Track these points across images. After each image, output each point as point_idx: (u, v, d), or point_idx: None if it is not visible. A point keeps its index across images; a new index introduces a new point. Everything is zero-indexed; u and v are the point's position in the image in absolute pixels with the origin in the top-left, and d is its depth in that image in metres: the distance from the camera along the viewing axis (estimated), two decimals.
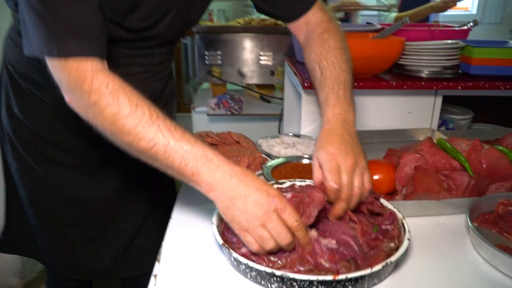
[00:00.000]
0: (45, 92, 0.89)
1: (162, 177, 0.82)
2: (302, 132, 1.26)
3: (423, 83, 1.13)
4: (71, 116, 0.71)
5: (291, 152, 1.11)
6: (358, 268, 0.61)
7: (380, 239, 0.68)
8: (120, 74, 0.67)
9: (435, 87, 1.13)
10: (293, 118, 1.59)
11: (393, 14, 2.57)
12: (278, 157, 1.04)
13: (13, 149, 0.96)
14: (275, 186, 0.80)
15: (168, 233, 0.78)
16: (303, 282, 0.58)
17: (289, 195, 0.75)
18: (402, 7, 2.68)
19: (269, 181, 0.92)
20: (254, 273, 0.61)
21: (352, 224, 0.68)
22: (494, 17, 3.96)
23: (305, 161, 1.04)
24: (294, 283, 0.58)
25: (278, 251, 0.64)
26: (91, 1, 0.67)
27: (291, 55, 1.58)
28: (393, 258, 0.60)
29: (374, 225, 0.70)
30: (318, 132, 0.78)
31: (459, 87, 1.12)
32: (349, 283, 0.58)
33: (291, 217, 0.62)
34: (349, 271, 0.60)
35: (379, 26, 1.43)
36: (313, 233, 0.67)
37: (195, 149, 0.64)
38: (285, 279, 0.58)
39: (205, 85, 2.40)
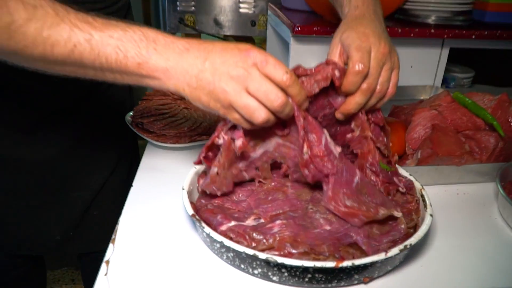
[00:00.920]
0: None
1: (122, 136, 0.64)
2: None
3: (432, 31, 0.97)
4: None
5: None
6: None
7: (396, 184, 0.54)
8: None
9: (445, 36, 0.97)
10: None
11: None
12: None
13: None
14: None
15: (128, 206, 0.62)
16: (295, 269, 0.43)
17: None
18: None
19: None
20: (232, 254, 0.46)
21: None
22: None
23: None
24: (284, 270, 0.43)
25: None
26: None
27: (275, 1, 1.38)
28: (414, 240, 0.45)
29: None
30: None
31: (473, 36, 0.97)
32: (355, 271, 0.44)
33: (278, 70, 0.46)
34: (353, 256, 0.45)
35: None
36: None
37: (130, 33, 0.46)
38: (271, 264, 0.43)
39: (178, 36, 2.17)
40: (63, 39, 0.44)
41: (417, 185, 0.56)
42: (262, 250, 0.45)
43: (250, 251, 0.43)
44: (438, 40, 1.03)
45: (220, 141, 0.53)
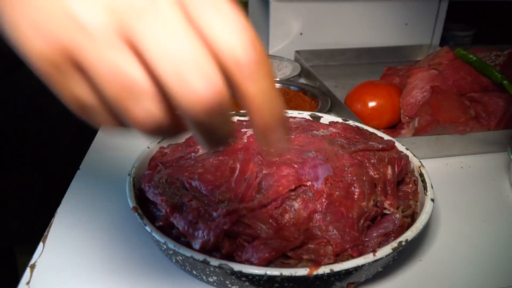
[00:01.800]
0: None
1: None
2: (271, 52, 0.98)
3: None
4: None
5: None
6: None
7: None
8: None
9: None
10: (259, 33, 1.29)
11: None
12: None
13: None
14: (235, 118, 0.54)
15: (69, 193, 0.51)
16: (258, 278, 0.33)
17: (250, 132, 0.49)
18: None
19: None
20: (180, 258, 0.36)
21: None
22: None
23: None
24: (244, 278, 0.34)
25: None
26: None
27: None
28: (411, 234, 0.35)
29: None
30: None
31: None
32: (336, 278, 0.34)
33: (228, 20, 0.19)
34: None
35: None
36: None
37: None
38: (228, 272, 0.33)
39: None
40: None
41: (415, 161, 0.46)
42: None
43: (200, 256, 0.33)
44: None
45: None
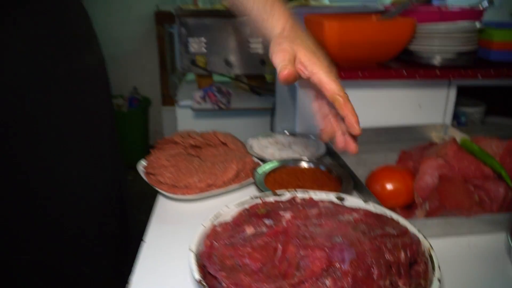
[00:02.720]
0: None
1: None
2: (298, 130, 1.11)
3: (437, 72, 0.97)
4: None
5: (286, 154, 0.96)
6: None
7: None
8: None
9: (451, 76, 0.98)
10: (287, 113, 1.43)
11: None
12: (271, 161, 0.89)
13: None
14: (272, 198, 0.65)
15: (140, 264, 0.63)
16: None
17: (287, 215, 0.60)
18: None
19: (263, 191, 0.77)
20: None
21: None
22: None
23: (304, 164, 0.90)
24: None
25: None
26: None
27: None
28: None
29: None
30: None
31: (479, 76, 0.97)
32: None
33: None
34: None
35: (381, 7, 1.27)
36: None
37: None
38: None
39: (190, 76, 2.22)
40: None
41: (426, 244, 0.56)
42: None
43: None
44: (445, 81, 1.03)
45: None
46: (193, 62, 1.67)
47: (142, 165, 0.89)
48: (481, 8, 1.17)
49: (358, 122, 0.59)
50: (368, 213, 0.59)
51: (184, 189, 0.80)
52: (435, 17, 1.08)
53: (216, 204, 0.79)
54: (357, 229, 0.54)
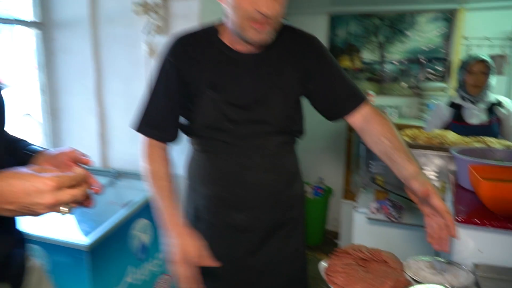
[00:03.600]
0: None
1: None
2: (456, 258, 1.29)
3: None
4: None
5: (437, 279, 1.16)
6: None
7: None
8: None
9: None
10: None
11: None
12: (421, 283, 1.13)
13: None
14: None
15: None
16: None
17: None
18: None
19: None
20: None
21: None
22: None
23: None
24: None
25: None
26: (160, 102, 1.26)
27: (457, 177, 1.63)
28: None
29: None
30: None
31: None
32: None
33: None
34: None
35: None
36: None
37: None
38: None
39: None
40: None
41: None
42: None
43: None
44: None
45: None
46: (373, 180, 2.02)
47: (323, 266, 1.27)
48: None
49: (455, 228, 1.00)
50: None
51: None
52: None
53: None
54: None
